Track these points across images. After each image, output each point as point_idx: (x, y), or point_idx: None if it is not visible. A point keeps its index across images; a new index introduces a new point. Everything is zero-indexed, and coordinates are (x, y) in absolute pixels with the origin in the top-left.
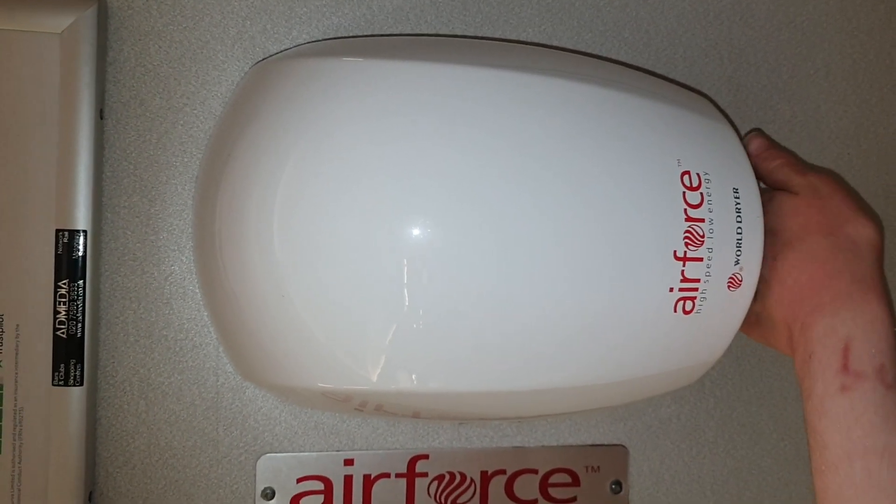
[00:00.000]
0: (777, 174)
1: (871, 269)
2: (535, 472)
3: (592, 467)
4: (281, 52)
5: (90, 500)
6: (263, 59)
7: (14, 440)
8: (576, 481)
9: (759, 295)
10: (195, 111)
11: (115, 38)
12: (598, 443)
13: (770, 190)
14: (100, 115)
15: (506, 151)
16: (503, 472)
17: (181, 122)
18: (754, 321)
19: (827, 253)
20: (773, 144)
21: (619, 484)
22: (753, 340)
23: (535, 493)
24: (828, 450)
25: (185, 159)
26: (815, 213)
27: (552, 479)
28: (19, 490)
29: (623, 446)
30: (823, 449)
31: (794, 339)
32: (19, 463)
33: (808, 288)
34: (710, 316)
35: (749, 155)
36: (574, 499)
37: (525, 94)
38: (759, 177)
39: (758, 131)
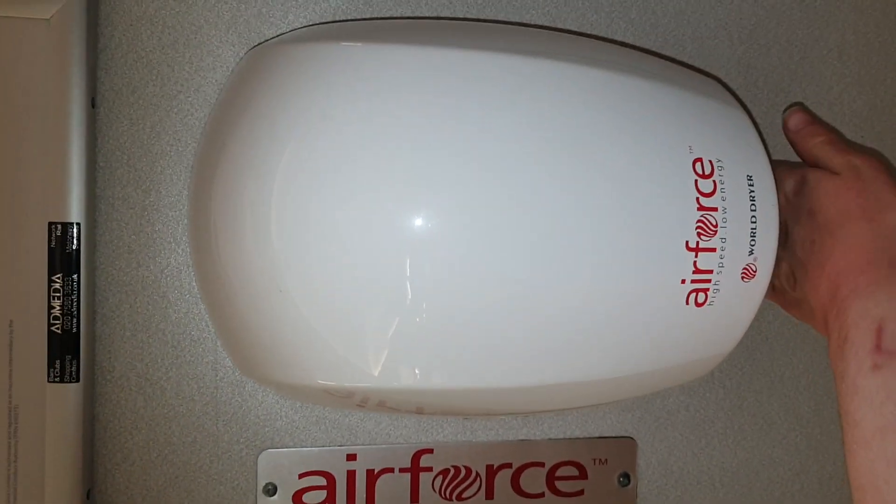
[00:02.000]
0: (817, 152)
1: None
2: (542, 465)
3: (600, 460)
4: (277, 36)
5: (88, 497)
6: (259, 44)
7: (10, 438)
8: (583, 474)
9: (795, 277)
10: (189, 99)
11: (105, 23)
12: (605, 435)
13: (806, 166)
14: (91, 103)
15: (510, 139)
16: (509, 465)
17: (175, 109)
18: (792, 301)
19: (866, 239)
20: (813, 120)
21: (627, 476)
22: (764, 328)
23: (541, 486)
24: (859, 427)
25: (180, 148)
26: (854, 195)
27: (559, 472)
28: (16, 489)
29: (631, 438)
30: (854, 427)
31: (830, 324)
32: (15, 462)
33: (844, 274)
34: (723, 308)
35: (788, 130)
36: (581, 492)
37: (529, 78)
38: (798, 153)
39: (799, 105)
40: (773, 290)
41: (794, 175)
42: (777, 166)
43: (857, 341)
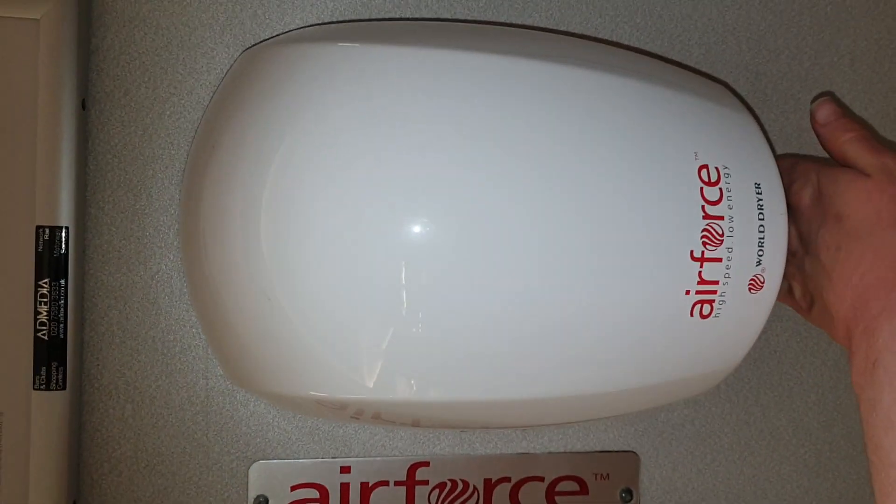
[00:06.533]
0: (847, 149)
1: None
2: (542, 479)
3: (601, 475)
4: (272, 37)
5: None
6: (253, 45)
7: None
8: (584, 489)
9: (816, 283)
10: (182, 101)
11: (98, 24)
12: (607, 449)
13: (832, 163)
14: (82, 105)
15: (511, 143)
16: (508, 479)
17: (168, 112)
18: (807, 306)
19: None
20: (844, 113)
21: (629, 492)
22: (772, 341)
23: (541, 501)
24: None
25: (172, 152)
26: (888, 200)
27: (559, 487)
28: None
29: (634, 453)
30: (891, 468)
31: (855, 342)
32: None
33: (873, 288)
34: (729, 320)
35: (816, 122)
36: None
37: (530, 82)
38: (826, 149)
39: (829, 96)
40: (788, 293)
41: (819, 173)
42: (800, 162)
43: (892, 368)
